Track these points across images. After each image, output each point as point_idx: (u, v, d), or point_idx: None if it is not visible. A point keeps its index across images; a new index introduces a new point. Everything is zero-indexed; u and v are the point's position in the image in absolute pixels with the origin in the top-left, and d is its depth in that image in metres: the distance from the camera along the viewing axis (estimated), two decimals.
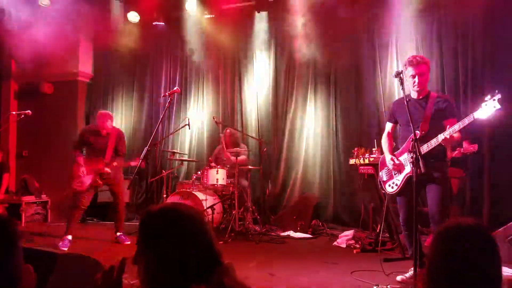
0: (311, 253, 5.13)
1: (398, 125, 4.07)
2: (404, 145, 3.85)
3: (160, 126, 7.62)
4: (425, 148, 3.52)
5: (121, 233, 5.73)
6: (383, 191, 4.15)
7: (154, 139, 4.48)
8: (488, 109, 3.23)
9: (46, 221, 7.68)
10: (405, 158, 3.78)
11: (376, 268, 4.06)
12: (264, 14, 7.55)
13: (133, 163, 5.39)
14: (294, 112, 7.46)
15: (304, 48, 7.00)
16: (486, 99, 3.27)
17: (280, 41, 7.57)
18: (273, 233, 6.22)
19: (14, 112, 6.40)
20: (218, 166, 6.32)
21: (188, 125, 7.02)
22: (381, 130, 4.31)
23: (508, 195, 5.52)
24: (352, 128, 6.99)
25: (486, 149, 5.75)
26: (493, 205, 5.65)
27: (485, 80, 5.86)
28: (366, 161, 5.25)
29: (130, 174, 7.07)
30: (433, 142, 3.52)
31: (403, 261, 4.42)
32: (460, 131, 3.48)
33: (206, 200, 6.06)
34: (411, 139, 3.34)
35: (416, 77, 3.73)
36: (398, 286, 3.63)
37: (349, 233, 5.74)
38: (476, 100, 3.40)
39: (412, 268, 3.38)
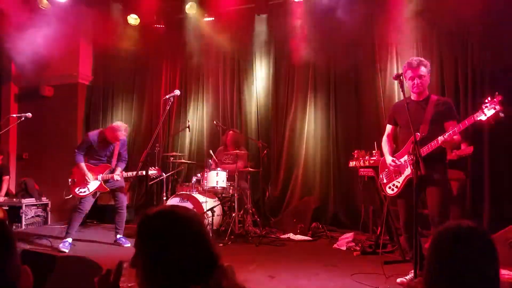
0: (311, 255, 5.12)
1: (398, 127, 4.07)
2: (404, 147, 3.85)
3: (160, 129, 7.62)
4: (425, 150, 3.52)
5: (121, 236, 5.73)
6: (384, 193, 4.15)
7: (154, 141, 4.48)
8: (488, 111, 3.23)
9: (46, 223, 7.67)
10: (406, 160, 3.78)
11: (377, 270, 4.06)
12: (264, 16, 7.56)
13: (152, 172, 5.43)
14: (294, 115, 7.47)
15: (304, 50, 7.00)
16: (486, 101, 3.27)
17: (280, 43, 7.58)
18: (273, 236, 6.21)
19: (14, 115, 6.41)
20: (219, 168, 6.32)
21: (188, 127, 7.04)
22: (381, 133, 4.31)
23: (508, 197, 5.52)
24: (352, 130, 7.00)
25: (487, 151, 5.75)
26: (493, 207, 5.65)
27: (485, 83, 5.86)
28: (366, 163, 5.24)
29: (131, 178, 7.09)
30: (433, 144, 3.52)
31: (403, 263, 4.41)
32: (459, 133, 3.48)
33: (206, 202, 6.05)
34: (411, 141, 3.34)
35: (415, 79, 3.74)
36: None
37: (349, 235, 5.73)
38: (476, 103, 3.40)
39: (413, 271, 3.37)
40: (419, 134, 3.59)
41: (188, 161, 7.19)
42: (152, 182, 7.00)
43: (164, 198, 6.65)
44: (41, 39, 7.34)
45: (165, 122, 8.23)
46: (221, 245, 5.57)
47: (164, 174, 6.68)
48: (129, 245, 5.59)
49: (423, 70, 3.73)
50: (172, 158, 6.89)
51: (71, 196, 5.73)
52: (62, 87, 8.69)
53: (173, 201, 6.19)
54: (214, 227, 5.97)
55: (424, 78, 3.75)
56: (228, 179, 6.30)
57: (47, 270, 2.18)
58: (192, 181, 6.56)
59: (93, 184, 5.59)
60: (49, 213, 7.77)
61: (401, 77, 3.57)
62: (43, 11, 7.55)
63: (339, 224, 6.80)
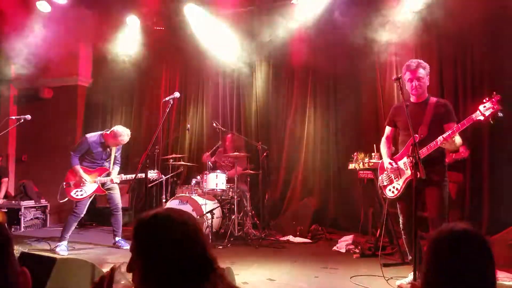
0: (311, 258, 5.11)
1: (397, 129, 4.07)
2: (403, 149, 3.85)
3: (160, 131, 7.62)
4: (424, 152, 3.52)
5: (120, 238, 5.73)
6: (383, 196, 4.15)
7: (154, 144, 4.48)
8: (486, 111, 3.24)
9: (45, 225, 7.67)
10: (405, 162, 3.78)
11: (376, 273, 4.06)
12: (263, 19, 7.56)
13: (152, 175, 5.44)
14: (294, 117, 7.48)
15: (304, 53, 7.01)
16: (484, 100, 3.28)
17: (280, 46, 7.57)
18: (272, 238, 6.21)
19: (13, 117, 6.41)
20: (218, 171, 6.32)
21: (188, 130, 7.04)
22: (380, 135, 4.31)
23: (508, 199, 5.52)
24: (351, 133, 6.99)
25: (486, 153, 5.76)
26: (493, 209, 5.65)
27: (484, 86, 5.87)
28: (366, 165, 5.25)
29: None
30: (432, 145, 3.53)
31: (403, 266, 4.41)
32: (460, 135, 3.49)
33: (205, 204, 6.05)
34: (410, 143, 3.34)
35: (414, 81, 3.75)
36: None
37: (349, 238, 5.74)
38: (476, 105, 3.40)
39: (412, 273, 3.37)
40: (418, 136, 3.60)
41: (188, 163, 7.20)
42: (151, 185, 7.00)
43: (164, 200, 6.64)
44: (41, 41, 7.34)
45: (164, 125, 8.22)
46: (220, 247, 5.57)
47: (163, 176, 6.68)
48: (128, 247, 5.56)
49: (422, 72, 3.74)
50: (171, 160, 6.89)
51: (66, 199, 5.70)
52: (62, 89, 8.70)
53: (172, 203, 6.19)
54: (214, 230, 5.97)
55: (423, 80, 3.75)
56: (227, 182, 6.30)
57: (46, 272, 2.17)
58: (192, 183, 6.57)
59: (91, 187, 5.56)
60: (48, 215, 7.78)
61: (400, 79, 3.58)
62: (43, 13, 7.56)
63: (338, 226, 6.80)
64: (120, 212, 5.81)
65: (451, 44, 6.23)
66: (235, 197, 6.11)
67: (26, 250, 4.62)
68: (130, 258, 1.37)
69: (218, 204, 6.37)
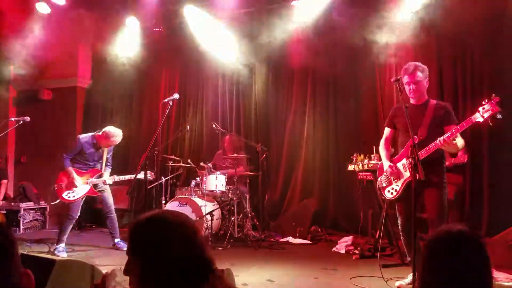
0: (310, 259, 5.11)
1: (396, 130, 4.08)
2: (402, 151, 3.85)
3: (160, 132, 7.61)
4: (423, 153, 3.53)
5: (119, 240, 5.71)
6: (382, 197, 4.15)
7: (153, 145, 4.48)
8: (485, 112, 3.25)
9: (44, 227, 7.65)
10: (404, 164, 3.79)
11: (375, 274, 4.05)
12: (263, 20, 7.56)
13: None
14: (293, 118, 7.48)
15: (303, 54, 7.01)
16: (483, 102, 3.28)
17: (279, 47, 7.58)
18: (272, 239, 6.21)
19: (12, 118, 6.40)
20: (218, 172, 6.32)
21: (187, 131, 7.03)
22: (380, 136, 4.31)
23: (507, 200, 5.52)
24: (351, 134, 6.99)
25: (486, 154, 5.76)
26: (493, 210, 5.65)
27: (484, 86, 5.88)
28: (365, 167, 5.25)
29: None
30: (431, 147, 3.53)
31: (402, 267, 4.42)
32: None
33: (205, 206, 6.05)
34: (409, 145, 3.34)
35: (411, 85, 3.75)
36: None
37: (348, 239, 5.74)
38: (475, 106, 3.41)
39: (411, 274, 3.37)
40: (417, 137, 3.60)
41: (187, 165, 7.20)
42: (151, 186, 6.99)
43: (163, 202, 6.64)
44: (40, 43, 7.35)
45: (164, 126, 8.22)
46: (220, 248, 5.57)
47: (163, 178, 6.68)
48: None
49: (419, 75, 3.74)
50: (171, 162, 6.88)
51: (58, 201, 5.68)
52: (61, 90, 8.69)
53: (172, 205, 6.19)
54: (213, 231, 5.97)
55: (420, 83, 3.75)
56: (227, 183, 6.30)
57: (46, 274, 2.17)
58: (191, 185, 6.56)
59: (82, 188, 5.53)
60: (48, 217, 7.76)
61: (400, 81, 3.59)
62: (43, 15, 7.56)
63: (338, 227, 6.79)
64: (114, 214, 5.76)
65: (450, 44, 6.24)
66: (235, 198, 6.11)
67: (25, 252, 4.62)
68: (127, 261, 1.37)
69: (218, 206, 6.37)
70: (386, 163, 3.94)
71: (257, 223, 6.32)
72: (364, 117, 6.91)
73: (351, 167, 5.47)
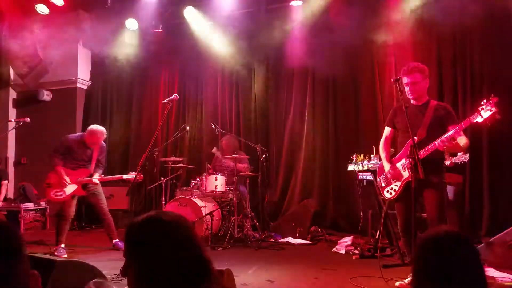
0: (310, 259, 5.11)
1: (396, 130, 4.08)
2: (402, 151, 3.86)
3: (159, 133, 7.62)
4: (422, 153, 3.53)
5: (117, 240, 5.70)
6: (382, 197, 4.16)
7: (152, 146, 4.48)
8: (484, 112, 3.25)
9: (44, 228, 7.66)
10: (403, 164, 3.79)
11: (375, 274, 4.05)
12: (263, 20, 7.57)
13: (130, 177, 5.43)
14: (293, 119, 7.48)
15: (303, 55, 7.01)
16: (482, 103, 3.29)
17: (279, 48, 7.58)
18: (272, 240, 6.20)
19: (12, 120, 6.41)
20: (218, 173, 6.32)
21: (187, 132, 7.03)
22: (379, 137, 4.32)
23: (507, 200, 5.52)
24: (350, 134, 7.00)
25: (486, 154, 5.77)
26: (493, 210, 5.66)
27: (483, 87, 5.88)
28: (365, 167, 5.25)
29: (128, 182, 7.07)
30: (431, 147, 3.53)
31: (402, 267, 4.41)
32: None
33: (205, 206, 6.05)
34: (409, 145, 3.35)
35: (409, 85, 3.75)
36: None
37: (348, 239, 5.73)
38: (475, 106, 3.42)
39: (411, 274, 3.37)
40: (416, 137, 3.60)
41: (187, 166, 7.21)
42: (150, 187, 7.00)
43: (163, 202, 6.64)
44: (40, 44, 7.35)
45: (163, 127, 8.23)
46: (220, 249, 5.57)
47: (163, 178, 6.69)
48: None
49: (418, 76, 3.74)
50: (170, 163, 6.88)
51: (47, 200, 5.66)
52: (61, 91, 8.69)
53: (172, 205, 6.19)
54: (213, 232, 5.97)
55: (419, 84, 3.75)
56: (227, 183, 6.30)
57: (46, 275, 2.17)
58: (191, 186, 6.56)
59: (70, 187, 5.50)
60: (48, 218, 7.76)
61: (399, 81, 3.59)
62: (42, 16, 7.56)
63: (338, 228, 6.80)
64: (109, 216, 5.72)
65: (450, 44, 6.24)
66: (235, 199, 6.11)
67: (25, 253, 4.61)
68: (124, 263, 1.37)
69: (218, 206, 6.37)
70: (386, 165, 3.94)
71: (257, 224, 6.32)
72: (364, 117, 6.91)
73: (351, 167, 5.47)
